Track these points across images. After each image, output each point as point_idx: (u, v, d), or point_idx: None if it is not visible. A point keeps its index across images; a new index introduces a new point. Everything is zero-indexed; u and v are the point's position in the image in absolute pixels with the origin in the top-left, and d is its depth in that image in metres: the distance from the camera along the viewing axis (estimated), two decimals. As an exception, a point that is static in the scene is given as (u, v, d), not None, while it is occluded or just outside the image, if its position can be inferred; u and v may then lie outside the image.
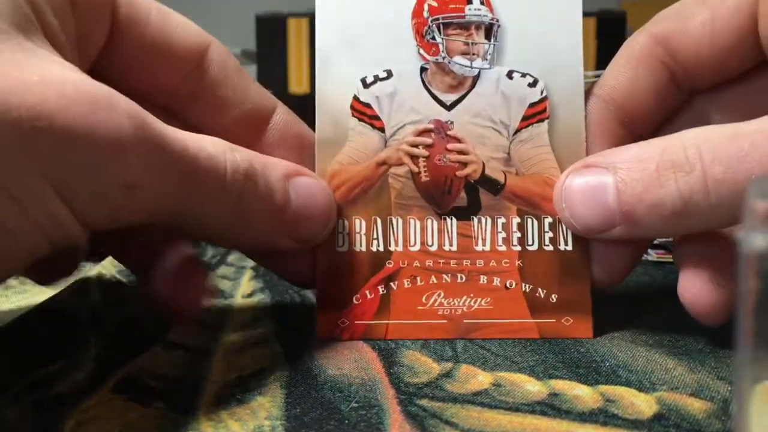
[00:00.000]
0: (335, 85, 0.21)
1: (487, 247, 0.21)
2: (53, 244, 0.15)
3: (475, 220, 0.21)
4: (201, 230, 0.18)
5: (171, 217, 0.17)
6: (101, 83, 0.15)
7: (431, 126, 0.21)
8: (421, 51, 0.21)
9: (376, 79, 0.21)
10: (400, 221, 0.21)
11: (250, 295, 0.24)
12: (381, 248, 0.20)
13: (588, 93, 0.21)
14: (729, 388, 0.17)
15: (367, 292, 0.20)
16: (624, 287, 0.26)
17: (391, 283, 0.20)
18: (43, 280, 0.19)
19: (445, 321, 0.20)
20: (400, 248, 0.20)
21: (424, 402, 0.16)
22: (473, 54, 0.21)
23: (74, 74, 0.14)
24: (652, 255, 0.30)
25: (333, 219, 0.20)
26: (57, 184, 0.14)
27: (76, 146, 0.14)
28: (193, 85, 0.20)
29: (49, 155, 0.14)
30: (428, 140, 0.21)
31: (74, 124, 0.14)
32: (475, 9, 0.21)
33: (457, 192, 0.21)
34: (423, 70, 0.21)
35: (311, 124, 0.21)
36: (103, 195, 0.15)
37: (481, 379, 0.18)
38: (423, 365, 0.18)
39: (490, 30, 0.21)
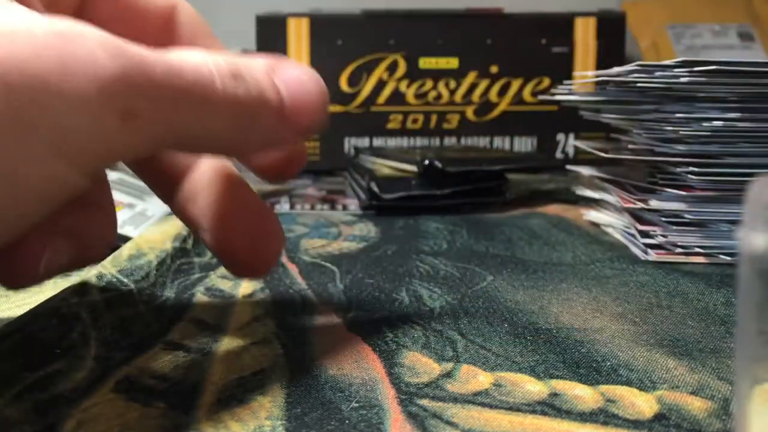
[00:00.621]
0: None
1: None
2: (54, 202, 0.15)
3: None
4: (205, 146, 0.17)
5: (175, 140, 0.16)
6: (67, 19, 0.14)
7: None
8: None
9: None
10: None
11: (250, 295, 0.24)
12: None
13: None
14: (730, 388, 0.17)
15: None
16: (624, 287, 0.26)
17: None
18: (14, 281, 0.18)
19: None
20: None
21: (424, 402, 0.16)
22: None
23: (41, 20, 0.14)
24: (652, 255, 0.30)
25: (327, 100, 0.19)
26: (48, 137, 0.13)
27: (55, 94, 0.13)
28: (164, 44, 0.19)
29: (30, 108, 0.13)
30: None
31: (48, 70, 0.13)
32: None
33: None
34: None
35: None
36: (99, 135, 0.14)
37: (481, 379, 0.18)
38: (424, 366, 0.18)
39: None
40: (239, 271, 0.20)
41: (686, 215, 0.30)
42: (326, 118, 0.19)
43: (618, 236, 0.34)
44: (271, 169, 0.20)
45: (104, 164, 0.15)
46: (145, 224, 0.34)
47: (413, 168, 0.42)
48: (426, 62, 0.59)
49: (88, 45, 0.14)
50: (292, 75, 0.18)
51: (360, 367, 0.18)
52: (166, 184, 0.20)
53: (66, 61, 0.13)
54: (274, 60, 0.18)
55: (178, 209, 0.20)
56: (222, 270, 0.28)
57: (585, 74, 0.36)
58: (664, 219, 0.31)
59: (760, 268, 0.11)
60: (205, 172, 0.20)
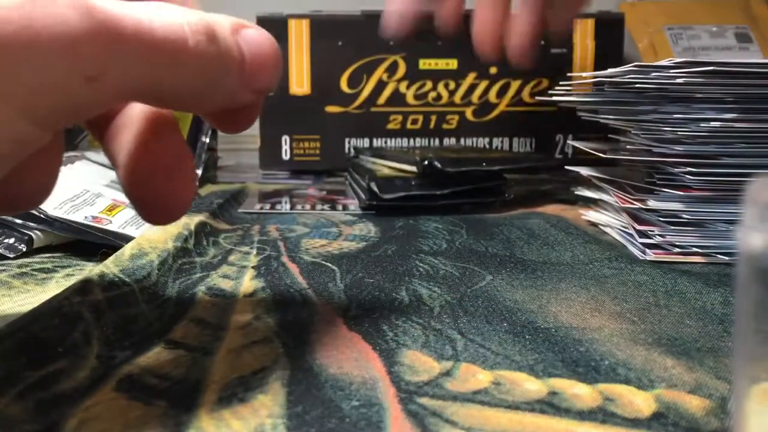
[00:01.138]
0: None
1: None
2: (16, 160, 0.15)
3: None
4: (169, 101, 0.17)
5: (139, 96, 0.16)
6: None
7: None
8: None
9: None
10: None
11: (251, 294, 0.25)
12: None
13: None
14: (727, 387, 0.17)
15: None
16: (622, 286, 0.26)
17: None
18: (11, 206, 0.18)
19: None
20: None
21: (424, 400, 0.16)
22: None
23: None
24: (650, 254, 0.30)
25: (281, 65, 0.19)
26: (14, 100, 0.13)
27: (19, 56, 0.13)
28: None
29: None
30: None
31: (12, 31, 0.13)
32: None
33: None
34: None
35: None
36: (66, 95, 0.14)
37: (480, 377, 0.18)
38: (423, 364, 0.19)
39: None
40: (147, 213, 0.20)
41: (684, 215, 0.30)
42: (279, 80, 0.19)
43: (616, 236, 0.34)
44: (225, 119, 0.20)
45: (71, 121, 0.15)
46: (146, 224, 0.34)
47: (413, 168, 0.42)
48: (425, 63, 0.59)
49: (58, 2, 0.13)
50: (253, 36, 0.18)
51: (360, 366, 0.18)
52: (98, 122, 0.20)
53: (30, 24, 0.13)
54: (236, 20, 0.18)
55: (104, 147, 0.20)
56: (223, 269, 0.28)
57: (581, 75, 0.36)
58: (661, 219, 0.31)
59: (758, 267, 0.11)
60: (133, 110, 0.19)
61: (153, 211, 0.19)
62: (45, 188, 0.18)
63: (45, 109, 0.14)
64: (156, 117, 0.19)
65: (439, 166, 0.40)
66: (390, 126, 0.60)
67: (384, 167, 0.46)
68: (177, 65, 0.16)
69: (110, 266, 0.24)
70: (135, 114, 0.19)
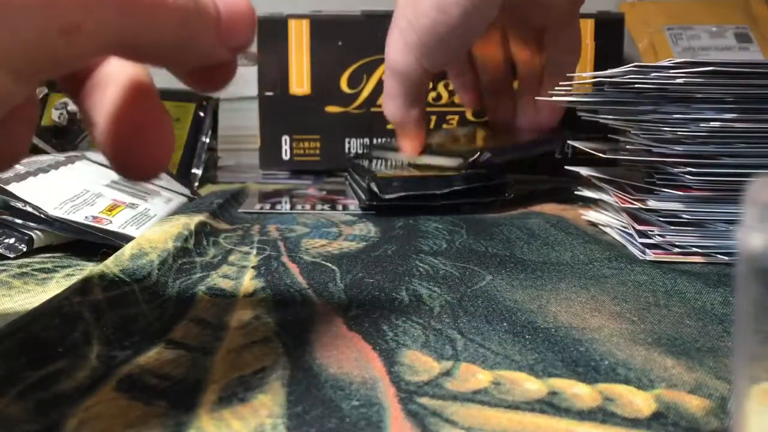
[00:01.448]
0: None
1: None
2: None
3: None
4: (147, 56, 0.17)
5: (115, 50, 0.16)
6: None
7: None
8: None
9: None
10: None
11: (251, 294, 0.25)
12: None
13: None
14: (727, 387, 0.17)
15: None
16: (622, 286, 0.26)
17: None
18: None
19: None
20: None
21: (424, 400, 0.16)
22: None
23: None
24: (650, 254, 0.30)
25: (256, 24, 0.19)
26: None
27: None
28: None
29: None
30: None
31: None
32: None
33: None
34: None
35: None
36: (43, 48, 0.14)
37: (480, 377, 0.18)
38: (423, 364, 0.19)
39: None
40: (123, 170, 0.19)
41: (683, 215, 0.30)
42: (253, 38, 0.19)
43: (616, 236, 0.34)
44: (202, 77, 0.19)
45: (49, 75, 0.16)
46: (147, 224, 0.34)
47: (455, 163, 0.43)
48: (425, 63, 0.59)
49: None
50: None
51: (360, 366, 0.18)
52: (74, 79, 0.20)
53: None
54: None
55: (79, 105, 0.20)
56: (224, 269, 0.28)
57: (582, 75, 0.36)
58: (661, 219, 0.31)
59: (758, 267, 0.11)
60: (109, 68, 0.19)
61: (128, 168, 0.19)
62: (18, 151, 0.18)
63: (22, 61, 0.14)
64: (132, 75, 0.19)
65: (488, 156, 0.41)
66: (390, 126, 0.60)
67: (421, 165, 0.46)
68: (154, 20, 0.16)
69: (110, 266, 0.24)
70: (111, 72, 0.19)
